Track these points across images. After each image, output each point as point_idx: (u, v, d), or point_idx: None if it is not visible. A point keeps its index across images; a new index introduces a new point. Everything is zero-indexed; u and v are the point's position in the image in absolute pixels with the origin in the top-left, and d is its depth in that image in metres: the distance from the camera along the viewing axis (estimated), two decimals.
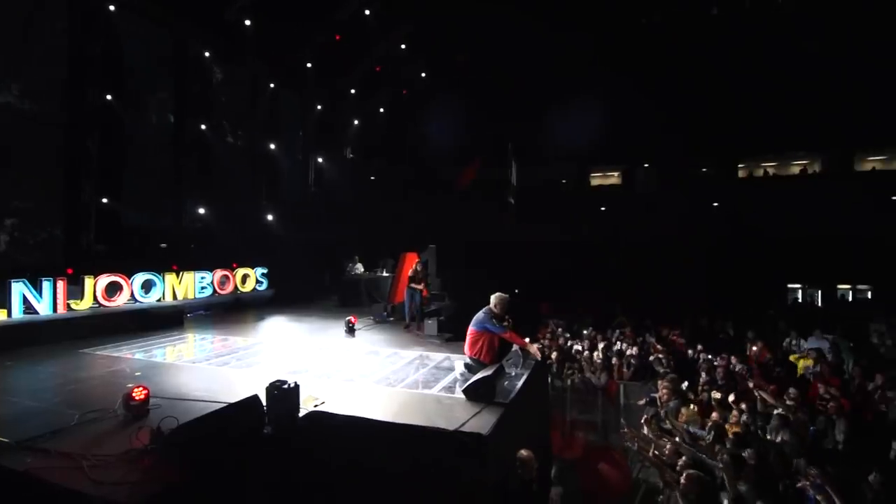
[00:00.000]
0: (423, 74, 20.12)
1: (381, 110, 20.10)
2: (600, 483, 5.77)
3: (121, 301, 8.77)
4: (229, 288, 11.38)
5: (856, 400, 5.88)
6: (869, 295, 17.28)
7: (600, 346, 8.65)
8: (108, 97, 10.97)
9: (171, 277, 9.87)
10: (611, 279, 17.28)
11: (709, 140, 19.81)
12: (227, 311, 10.79)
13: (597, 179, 25.70)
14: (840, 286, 17.83)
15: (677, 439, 4.93)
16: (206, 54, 13.83)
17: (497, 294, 5.14)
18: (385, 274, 12.76)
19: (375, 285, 12.17)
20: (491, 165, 20.65)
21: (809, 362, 7.35)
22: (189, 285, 10.28)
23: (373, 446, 3.74)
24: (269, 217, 15.75)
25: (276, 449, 3.69)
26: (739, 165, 22.73)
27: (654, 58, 20.15)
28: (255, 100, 15.73)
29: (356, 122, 19.38)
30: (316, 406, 4.28)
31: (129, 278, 9.00)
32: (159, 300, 9.45)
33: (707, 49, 19.42)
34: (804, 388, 6.20)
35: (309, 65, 16.47)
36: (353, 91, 18.39)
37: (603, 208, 22.89)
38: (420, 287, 8.30)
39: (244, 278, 11.92)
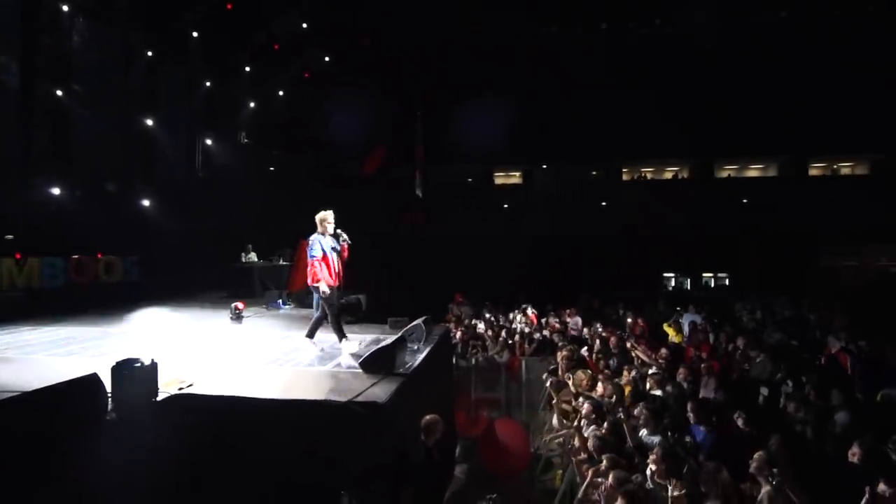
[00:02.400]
0: (327, 59, 19.20)
1: (281, 93, 18.80)
2: (501, 458, 5.71)
3: None
4: (89, 277, 9.75)
5: (724, 361, 6.53)
6: (727, 282, 19.99)
7: (504, 327, 8.75)
8: None
9: (7, 263, 8.18)
10: (514, 270, 18.07)
11: (598, 145, 21.49)
12: (87, 302, 9.15)
13: (500, 179, 26.70)
14: (704, 274, 20.42)
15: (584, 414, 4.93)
16: (65, 8, 11.78)
17: (320, 213, 4.97)
18: (282, 263, 11.84)
19: (270, 274, 11.22)
20: (397, 161, 20.40)
21: (677, 337, 8.17)
22: (34, 273, 8.61)
23: (249, 426, 3.23)
24: (146, 202, 13.84)
25: (122, 436, 3.03)
26: (624, 170, 25.03)
27: (552, 66, 21.44)
28: (128, 68, 13.75)
29: (252, 104, 17.88)
30: (181, 389, 3.62)
31: None
32: None
33: (597, 62, 21.09)
34: (679, 354, 6.81)
35: (195, 34, 14.80)
36: (247, 69, 16.93)
37: (506, 206, 23.80)
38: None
39: (109, 267, 10.31)
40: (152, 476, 3.12)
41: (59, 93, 11.84)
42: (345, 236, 5.06)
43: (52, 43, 11.63)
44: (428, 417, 3.69)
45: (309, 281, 4.93)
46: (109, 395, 3.23)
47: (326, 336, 5.33)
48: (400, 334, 4.50)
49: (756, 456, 3.20)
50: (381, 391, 3.53)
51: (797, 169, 22.69)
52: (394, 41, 20.44)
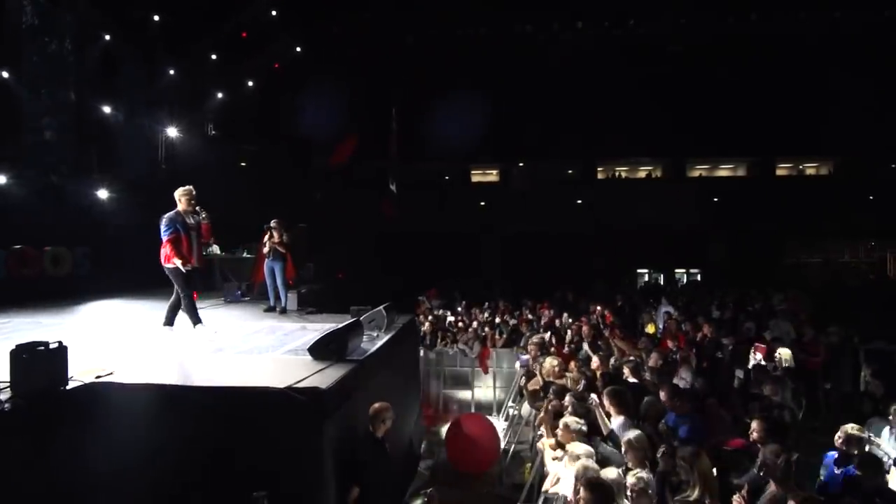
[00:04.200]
0: (298, 49, 18.61)
1: (250, 84, 18.11)
2: (467, 453, 5.40)
3: None
4: (34, 269, 9.05)
5: (698, 350, 6.41)
6: (699, 277, 20.31)
7: (476, 319, 8.46)
8: None
9: None
10: (489, 266, 17.99)
11: (574, 144, 21.61)
12: (30, 295, 8.46)
13: (477, 176, 26.60)
14: (677, 270, 20.71)
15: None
16: None
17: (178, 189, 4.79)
18: (245, 255, 11.31)
19: (232, 266, 10.70)
20: (372, 155, 20.05)
21: (651, 328, 8.06)
22: None
23: (170, 415, 2.84)
24: (101, 193, 13.03)
25: (20, 427, 2.61)
26: (598, 168, 25.25)
27: (528, 64, 21.48)
28: (81, 53, 12.96)
29: (220, 95, 17.15)
30: (98, 378, 3.19)
31: None
32: None
33: (573, 61, 21.20)
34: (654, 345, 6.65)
35: (156, 17, 14.09)
36: (213, 57, 16.22)
37: (483, 203, 23.73)
38: (279, 248, 6.62)
39: (56, 259, 9.61)
40: (58, 469, 2.71)
41: (4, 74, 11.06)
42: (203, 214, 4.80)
43: None
44: (376, 405, 3.34)
45: (161, 261, 4.65)
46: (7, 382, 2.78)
47: (279, 323, 4.94)
48: (355, 319, 4.15)
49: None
50: (326, 377, 3.17)
51: (765, 169, 23.22)
52: (368, 35, 20.08)
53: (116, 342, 4.66)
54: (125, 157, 14.25)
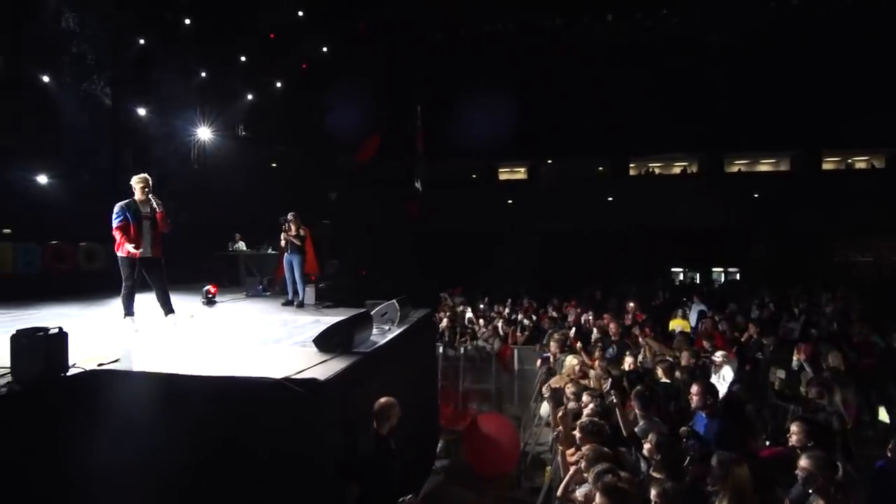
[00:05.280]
0: (325, 49, 18.78)
1: (279, 85, 18.40)
2: (485, 455, 5.18)
3: None
4: (69, 264, 9.38)
5: (739, 352, 5.98)
6: (737, 276, 19.37)
7: (499, 316, 8.20)
8: None
9: None
10: (518, 266, 17.68)
11: (605, 140, 21.00)
12: (64, 288, 8.75)
13: (505, 174, 26.28)
14: (714, 269, 19.83)
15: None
16: None
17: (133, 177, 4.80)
18: (270, 251, 11.43)
19: (257, 262, 10.83)
20: (398, 154, 20.03)
21: (684, 324, 7.58)
22: (6, 259, 8.26)
23: (169, 403, 2.76)
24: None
25: (17, 415, 2.57)
26: (631, 165, 24.50)
27: (557, 58, 20.99)
28: (117, 56, 13.42)
29: (250, 96, 17.49)
30: (101, 365, 3.15)
31: None
32: None
33: (601, 55, 20.61)
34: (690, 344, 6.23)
35: (188, 21, 14.45)
36: (242, 59, 16.55)
37: (510, 201, 23.41)
38: (295, 241, 6.58)
39: (91, 255, 9.92)
40: (58, 457, 2.67)
41: (45, 78, 11.53)
42: (156, 202, 4.73)
43: (38, 29, 11.31)
44: (381, 401, 3.16)
45: (115, 248, 4.65)
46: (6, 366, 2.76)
47: (294, 316, 4.84)
48: (363, 311, 4.00)
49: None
50: (327, 369, 3.02)
51: (810, 163, 21.92)
52: (395, 33, 20.08)
53: (133, 332, 4.67)
54: (159, 157, 14.69)
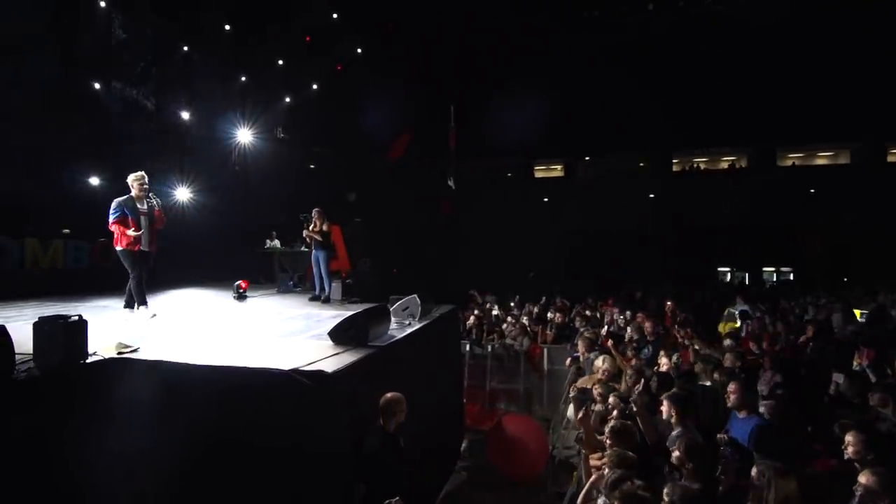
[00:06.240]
0: (359, 50, 18.99)
1: (315, 87, 18.76)
2: (511, 457, 4.97)
3: None
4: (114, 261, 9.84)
5: (787, 354, 5.51)
6: (791, 276, 18.16)
7: (526, 313, 7.95)
8: None
9: (32, 243, 8.33)
10: (554, 265, 17.29)
11: (645, 135, 20.22)
12: (108, 283, 9.20)
13: (541, 172, 25.79)
14: (766, 268, 18.66)
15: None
16: (102, 4, 12.11)
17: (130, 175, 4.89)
18: (303, 249, 11.61)
19: (291, 259, 11.03)
20: (432, 153, 20.00)
21: (735, 325, 7.08)
22: (58, 255, 8.75)
23: (179, 391, 2.75)
24: (181, 194, 13.99)
25: (34, 395, 2.62)
26: (674, 160, 23.49)
27: (594, 53, 20.37)
28: (162, 63, 14.03)
29: (287, 99, 17.91)
30: (121, 353, 3.19)
31: None
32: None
33: (643, 48, 19.83)
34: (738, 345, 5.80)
35: (227, 27, 14.92)
36: (280, 62, 16.95)
37: (546, 199, 22.96)
38: (316, 236, 6.71)
39: None
40: (76, 442, 2.71)
41: (96, 86, 12.19)
42: (155, 201, 4.91)
43: (88, 38, 11.96)
44: (387, 395, 3.04)
45: (114, 243, 4.79)
46: (31, 352, 2.83)
47: (319, 311, 4.82)
48: (380, 304, 3.90)
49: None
50: (337, 362, 2.94)
51: (873, 155, 20.27)
52: (428, 32, 20.06)
53: (162, 323, 4.79)
54: (201, 159, 15.26)
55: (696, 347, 5.28)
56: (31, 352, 2.87)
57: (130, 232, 4.62)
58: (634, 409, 3.20)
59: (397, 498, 2.41)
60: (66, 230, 10.95)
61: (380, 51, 19.32)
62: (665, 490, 2.21)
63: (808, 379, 4.57)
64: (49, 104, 11.10)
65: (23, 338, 2.94)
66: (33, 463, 2.62)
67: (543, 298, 9.10)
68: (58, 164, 11.14)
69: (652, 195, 21.15)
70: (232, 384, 2.77)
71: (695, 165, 23.79)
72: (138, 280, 4.86)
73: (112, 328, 4.15)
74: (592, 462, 3.04)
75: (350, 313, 4.82)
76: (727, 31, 19.51)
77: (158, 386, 2.87)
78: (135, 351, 3.31)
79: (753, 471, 2.43)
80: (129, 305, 5.00)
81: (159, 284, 9.37)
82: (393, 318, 4.32)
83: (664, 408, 3.35)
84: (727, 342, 5.45)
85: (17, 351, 2.95)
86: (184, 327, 4.55)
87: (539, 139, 21.26)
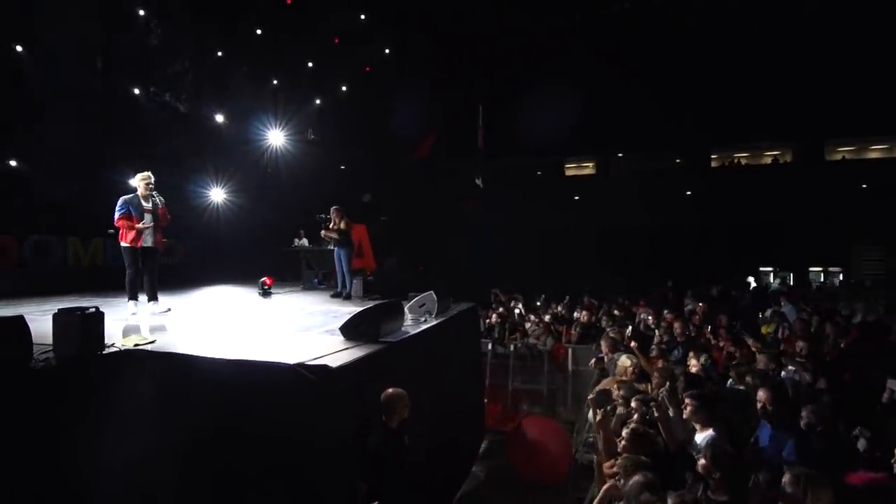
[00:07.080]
0: (387, 51, 19.11)
1: (344, 88, 19.00)
2: (531, 460, 4.82)
3: None
4: None
5: (832, 355, 5.13)
6: (841, 277, 17.08)
7: (549, 312, 7.74)
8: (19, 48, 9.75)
9: (74, 242, 8.76)
10: (585, 264, 16.91)
11: (682, 131, 19.47)
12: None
13: (571, 170, 25.29)
14: (812, 269, 17.62)
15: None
16: (141, 13, 12.62)
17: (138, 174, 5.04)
18: (330, 247, 11.73)
19: (317, 257, 11.16)
20: (460, 152, 19.92)
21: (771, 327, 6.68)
22: (98, 252, 9.18)
23: (187, 383, 2.77)
24: (216, 195, 14.41)
25: (48, 383, 2.69)
26: (712, 156, 22.56)
27: (627, 47, 19.76)
28: (199, 68, 14.51)
29: (318, 101, 18.21)
30: (137, 345, 3.25)
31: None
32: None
33: (679, 40, 19.09)
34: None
35: (259, 31, 15.29)
36: (310, 64, 17.25)
37: (577, 197, 22.50)
38: (332, 234, 6.93)
39: (169, 249, 10.77)
40: (91, 431, 2.76)
41: (136, 91, 12.71)
42: (159, 199, 5.07)
43: (128, 43, 12.49)
44: (389, 391, 2.96)
45: (119, 239, 4.93)
46: (50, 343, 2.91)
47: (339, 307, 4.81)
48: (393, 300, 3.84)
49: None
50: (343, 357, 2.88)
51: None
52: (456, 31, 19.97)
53: (185, 317, 4.90)
54: (235, 162, 15.70)
55: (729, 349, 4.98)
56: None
57: (137, 225, 4.83)
58: (656, 413, 2.99)
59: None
60: (111, 230, 11.51)
61: (408, 51, 19.38)
62: (669, 500, 2.04)
63: (858, 385, 4.22)
64: (90, 109, 11.68)
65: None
66: (47, 449, 2.68)
67: (567, 297, 8.84)
68: (99, 166, 11.69)
69: (689, 192, 20.36)
70: (238, 377, 2.76)
71: (735, 160, 22.78)
72: (133, 276, 5.03)
73: (131, 322, 4.27)
74: (606, 470, 2.87)
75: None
76: (769, 15, 18.47)
77: (168, 377, 2.90)
78: (151, 343, 3.36)
79: (785, 477, 2.24)
80: (133, 297, 5.16)
81: (193, 282, 9.70)
82: (409, 315, 4.26)
83: (686, 407, 3.14)
84: (771, 349, 5.12)
85: (41, 342, 3.05)
86: (203, 322, 4.63)
87: (570, 137, 20.79)
